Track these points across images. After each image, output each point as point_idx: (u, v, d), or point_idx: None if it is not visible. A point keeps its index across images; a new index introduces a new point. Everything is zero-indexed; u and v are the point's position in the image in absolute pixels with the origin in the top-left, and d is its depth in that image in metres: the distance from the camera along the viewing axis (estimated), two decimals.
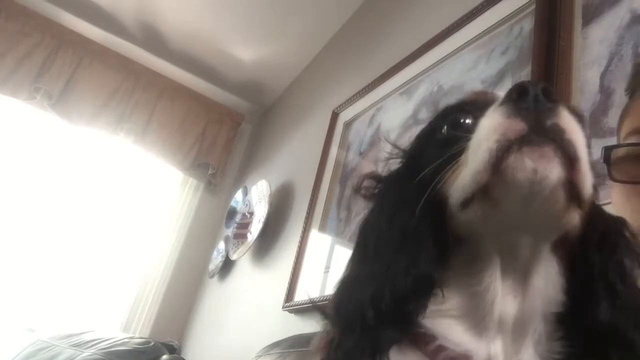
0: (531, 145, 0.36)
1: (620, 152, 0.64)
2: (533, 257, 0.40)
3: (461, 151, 0.40)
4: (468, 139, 0.39)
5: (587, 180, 0.38)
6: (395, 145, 0.51)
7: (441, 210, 0.40)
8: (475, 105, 0.42)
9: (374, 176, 0.49)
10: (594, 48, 1.11)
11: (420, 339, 0.40)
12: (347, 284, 0.44)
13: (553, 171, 0.36)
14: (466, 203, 0.39)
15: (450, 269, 0.41)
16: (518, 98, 0.38)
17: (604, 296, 0.40)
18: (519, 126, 0.37)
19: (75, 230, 2.97)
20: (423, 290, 0.40)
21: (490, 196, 0.38)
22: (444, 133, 0.44)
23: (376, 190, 0.48)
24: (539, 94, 0.37)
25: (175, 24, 3.05)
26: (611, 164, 0.63)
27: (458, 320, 0.40)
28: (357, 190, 0.50)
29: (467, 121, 0.42)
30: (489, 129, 0.38)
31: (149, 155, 3.14)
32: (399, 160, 0.48)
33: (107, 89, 3.05)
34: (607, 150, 0.64)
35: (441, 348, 0.39)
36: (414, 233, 0.41)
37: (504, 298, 0.40)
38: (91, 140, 3.07)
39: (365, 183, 0.48)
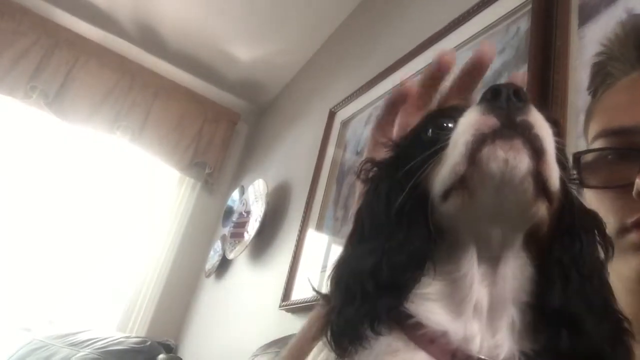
0: (503, 138, 0.41)
1: (589, 157, 0.64)
2: (504, 247, 0.44)
3: (443, 148, 0.44)
4: (449, 138, 0.44)
5: (553, 172, 0.41)
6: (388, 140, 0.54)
7: (425, 204, 0.44)
8: (457, 111, 0.47)
9: (372, 161, 0.51)
10: (590, 48, 1.12)
11: (403, 318, 0.43)
12: (346, 261, 0.48)
13: (522, 161, 0.40)
14: (446, 195, 0.42)
15: (433, 258, 0.45)
16: (492, 98, 0.42)
17: (558, 282, 0.44)
18: (491, 122, 0.41)
19: (72, 230, 2.96)
20: (415, 265, 0.44)
21: (467, 186, 0.41)
22: (429, 135, 0.48)
23: (372, 174, 0.52)
24: (510, 95, 0.42)
25: (172, 22, 3.04)
26: (582, 170, 0.63)
27: (438, 303, 0.44)
28: (357, 174, 0.53)
29: (449, 124, 0.46)
30: (466, 125, 0.42)
31: (146, 154, 3.13)
32: (390, 151, 0.51)
33: (103, 87, 3.04)
34: (576, 156, 0.64)
35: (420, 326, 0.42)
36: (407, 215, 0.46)
37: (480, 284, 0.44)
38: (88, 139, 3.06)
39: (364, 166, 0.51)
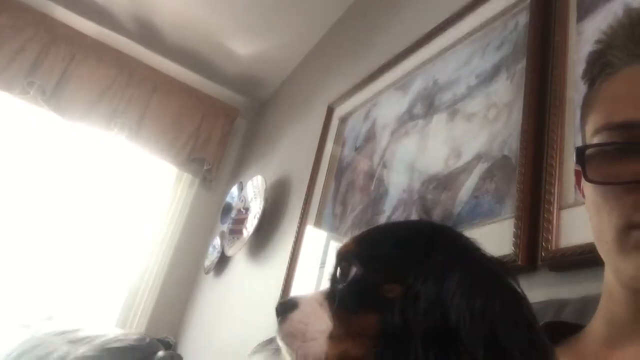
0: None
1: (592, 151, 0.62)
2: None
3: None
4: None
5: None
6: None
7: None
8: None
9: None
10: (588, 43, 1.11)
11: None
12: None
13: None
14: None
15: None
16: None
17: None
18: None
19: (70, 226, 2.96)
20: None
21: None
22: None
23: None
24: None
25: (169, 17, 3.03)
26: (585, 165, 0.62)
27: None
28: None
29: None
30: None
31: (143, 150, 3.13)
32: None
33: (100, 83, 3.03)
34: (580, 150, 0.62)
35: None
36: None
37: None
38: (85, 135, 3.06)
39: None
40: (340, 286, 0.47)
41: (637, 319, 0.60)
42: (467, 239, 0.51)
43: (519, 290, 0.46)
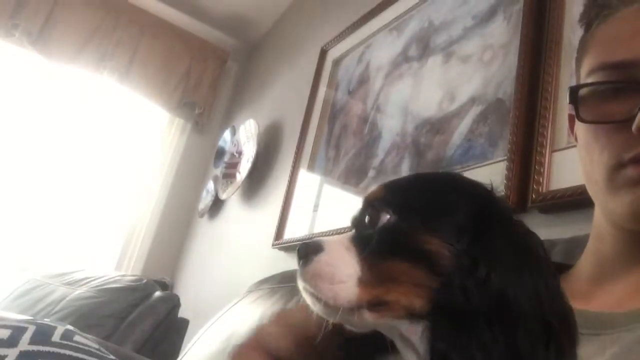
0: None
1: (585, 91, 0.62)
2: None
3: None
4: None
5: None
6: None
7: None
8: None
9: None
10: None
11: None
12: None
13: None
14: None
15: None
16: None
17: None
18: None
19: (65, 172, 2.95)
20: None
21: None
22: None
23: None
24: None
25: None
26: (578, 105, 0.62)
27: None
28: None
29: None
30: None
31: (134, 95, 3.08)
32: None
33: (88, 26, 2.95)
34: (573, 90, 0.63)
35: None
36: None
37: None
38: (75, 80, 3.00)
39: None
40: (369, 232, 0.46)
41: (624, 257, 0.62)
42: (506, 205, 0.51)
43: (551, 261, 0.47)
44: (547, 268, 0.44)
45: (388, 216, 0.45)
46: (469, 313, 0.40)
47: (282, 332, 0.52)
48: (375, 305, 0.43)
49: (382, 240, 0.45)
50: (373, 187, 0.50)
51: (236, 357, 0.54)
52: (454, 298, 0.41)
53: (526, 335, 0.39)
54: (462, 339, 0.40)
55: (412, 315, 0.42)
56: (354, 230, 0.49)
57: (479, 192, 0.48)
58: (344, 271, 0.44)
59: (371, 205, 0.48)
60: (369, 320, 0.43)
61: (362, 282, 0.43)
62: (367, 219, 0.47)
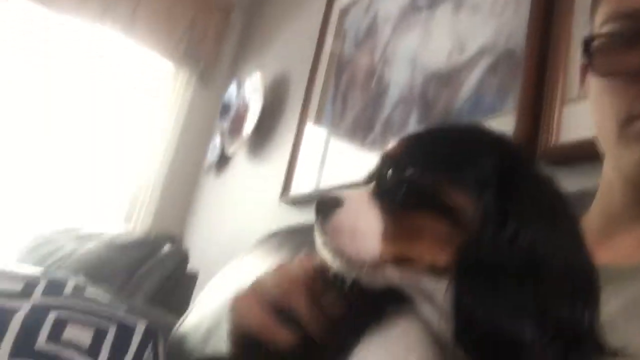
0: None
1: (599, 43, 0.60)
2: None
3: None
4: None
5: None
6: None
7: None
8: None
9: None
10: None
11: None
12: None
13: None
14: None
15: None
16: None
17: None
18: None
19: (70, 127, 2.94)
20: None
21: None
22: None
23: None
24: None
25: None
26: (592, 56, 0.60)
27: None
28: None
29: None
30: None
31: (139, 47, 3.04)
32: None
33: None
34: (587, 41, 0.60)
35: None
36: None
37: None
38: (78, 31, 2.96)
39: None
40: (390, 187, 0.45)
41: (632, 210, 0.62)
42: (531, 158, 0.50)
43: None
44: (575, 225, 0.44)
45: (411, 170, 0.44)
46: (496, 269, 0.39)
47: (279, 283, 0.51)
48: (399, 260, 0.42)
49: (405, 194, 0.43)
50: (397, 140, 0.48)
51: (236, 307, 0.53)
52: (481, 254, 0.40)
53: (555, 293, 0.39)
54: (489, 294, 0.39)
55: (436, 271, 0.41)
56: (372, 185, 0.47)
57: (504, 144, 0.46)
58: (367, 226, 0.43)
59: (393, 159, 0.46)
60: (392, 276, 0.42)
61: (386, 237, 0.42)
62: (388, 173, 0.46)
